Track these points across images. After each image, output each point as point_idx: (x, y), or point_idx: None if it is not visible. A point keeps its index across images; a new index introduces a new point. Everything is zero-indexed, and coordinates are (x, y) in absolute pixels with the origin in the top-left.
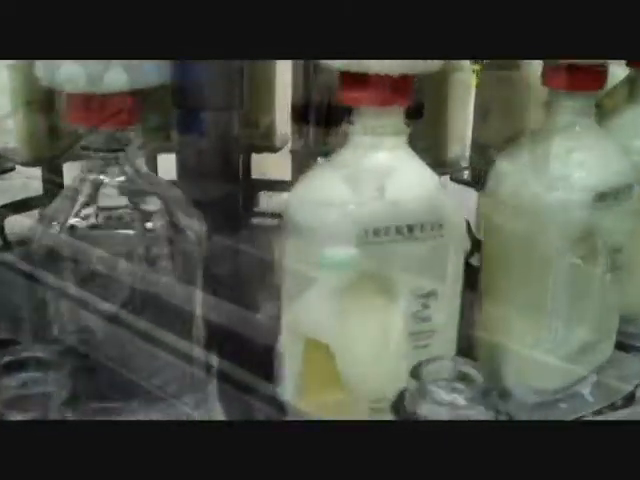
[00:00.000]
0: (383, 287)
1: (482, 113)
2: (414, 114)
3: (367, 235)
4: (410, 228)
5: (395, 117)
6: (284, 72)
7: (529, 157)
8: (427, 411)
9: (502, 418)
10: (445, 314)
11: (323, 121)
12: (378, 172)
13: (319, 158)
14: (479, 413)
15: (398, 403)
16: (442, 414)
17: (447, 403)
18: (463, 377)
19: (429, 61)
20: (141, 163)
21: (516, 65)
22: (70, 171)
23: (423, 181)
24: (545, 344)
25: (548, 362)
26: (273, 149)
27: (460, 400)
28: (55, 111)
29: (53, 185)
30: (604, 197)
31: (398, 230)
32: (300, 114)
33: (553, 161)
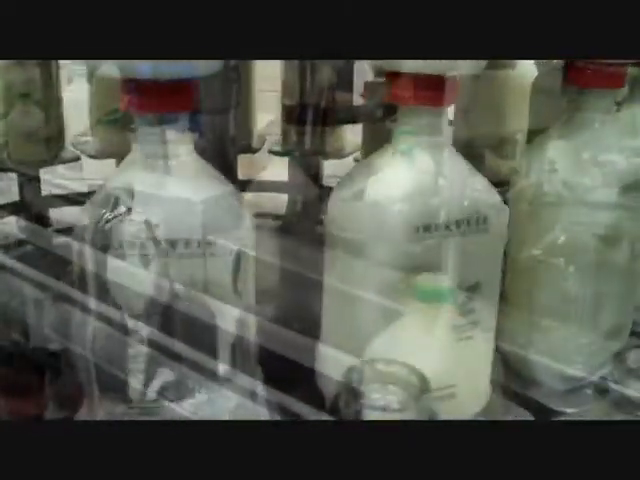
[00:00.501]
0: None
1: (463, 111)
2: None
3: (418, 231)
4: (458, 224)
5: (439, 116)
6: (266, 73)
7: (552, 154)
8: (360, 414)
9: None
10: (487, 305)
11: (320, 121)
12: (422, 170)
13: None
14: (412, 415)
15: (334, 405)
16: (375, 417)
17: (380, 407)
18: (398, 380)
19: (474, 62)
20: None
21: (497, 64)
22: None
23: (467, 177)
24: (571, 333)
25: (574, 351)
26: (251, 150)
27: (394, 403)
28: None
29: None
30: (629, 190)
31: (447, 226)
32: (294, 115)
33: (577, 157)
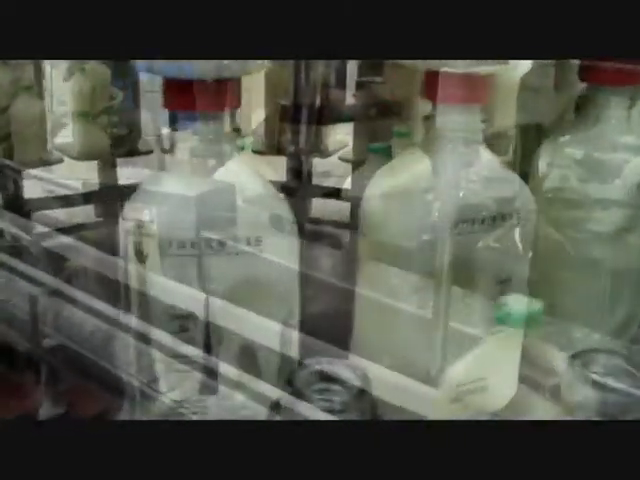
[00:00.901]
0: (466, 276)
1: None
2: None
3: (454, 227)
4: (493, 218)
5: (473, 114)
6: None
7: (565, 151)
8: (306, 414)
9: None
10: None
11: (315, 120)
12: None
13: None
14: (354, 416)
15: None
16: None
17: (324, 408)
18: (338, 380)
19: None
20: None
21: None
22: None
23: (501, 174)
24: (590, 324)
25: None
26: None
27: (335, 404)
28: None
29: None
30: None
31: (482, 221)
32: (290, 113)
33: (595, 153)
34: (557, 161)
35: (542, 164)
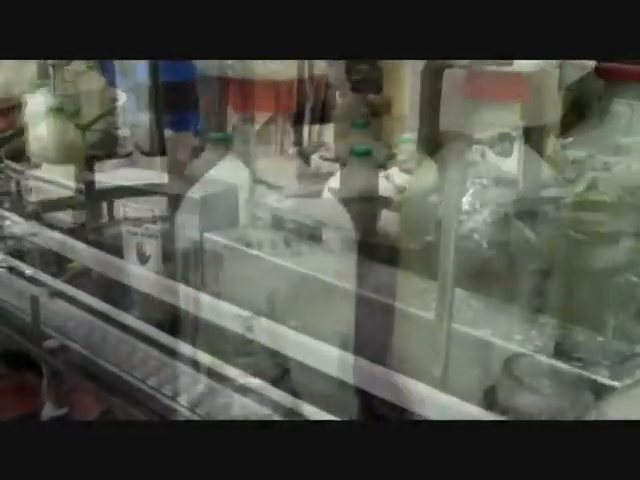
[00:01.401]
0: (507, 268)
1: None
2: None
3: (503, 219)
4: (532, 213)
5: (512, 111)
6: None
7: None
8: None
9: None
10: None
11: (318, 119)
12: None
13: None
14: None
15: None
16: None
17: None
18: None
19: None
20: None
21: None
22: None
23: (543, 168)
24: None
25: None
26: None
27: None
28: None
29: None
30: None
31: (521, 215)
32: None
33: (615, 152)
34: (578, 158)
35: (563, 162)
